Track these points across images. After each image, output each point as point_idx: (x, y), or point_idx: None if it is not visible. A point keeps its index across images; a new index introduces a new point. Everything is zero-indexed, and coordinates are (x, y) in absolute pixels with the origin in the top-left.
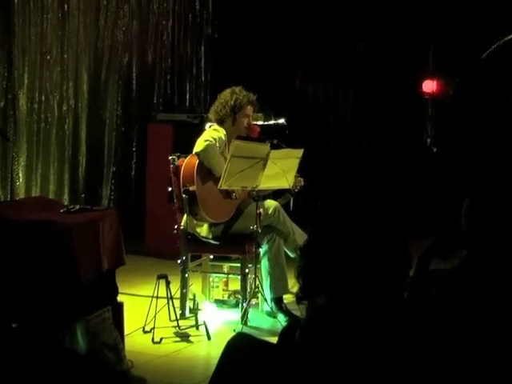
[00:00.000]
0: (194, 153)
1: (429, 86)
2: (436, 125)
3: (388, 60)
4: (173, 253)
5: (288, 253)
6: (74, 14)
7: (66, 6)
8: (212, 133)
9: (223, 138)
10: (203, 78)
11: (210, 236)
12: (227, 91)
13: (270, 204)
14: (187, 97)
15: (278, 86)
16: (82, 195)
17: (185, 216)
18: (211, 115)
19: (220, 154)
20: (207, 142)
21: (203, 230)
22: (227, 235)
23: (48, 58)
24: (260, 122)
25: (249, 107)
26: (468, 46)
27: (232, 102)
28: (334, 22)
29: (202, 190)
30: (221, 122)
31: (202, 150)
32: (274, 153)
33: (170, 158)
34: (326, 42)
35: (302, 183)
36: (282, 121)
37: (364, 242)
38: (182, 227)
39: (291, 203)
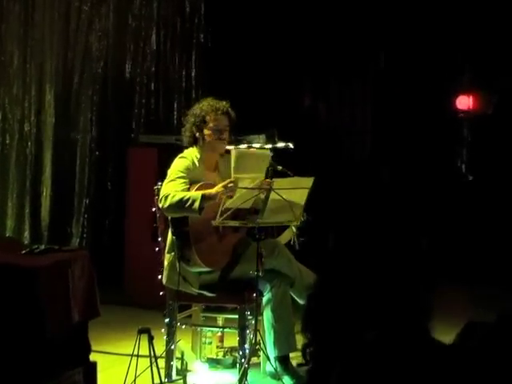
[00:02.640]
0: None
1: (463, 102)
2: (472, 148)
3: (414, 73)
4: (157, 302)
5: (295, 298)
6: (39, 16)
7: (29, 8)
8: (176, 168)
9: (194, 163)
10: (194, 94)
11: (198, 286)
12: (195, 104)
13: (273, 244)
14: (175, 115)
15: (284, 104)
16: (46, 233)
17: (166, 272)
18: (183, 137)
19: (191, 183)
20: (162, 202)
21: (194, 283)
22: (224, 284)
23: (7, 68)
24: (262, 146)
25: (214, 115)
26: (508, 55)
27: (194, 113)
28: (350, 29)
29: (195, 230)
30: (194, 142)
31: (163, 209)
32: (279, 182)
33: (155, 188)
34: (340, 53)
35: (304, 218)
36: (288, 144)
37: (384, 288)
38: (165, 283)
39: (295, 241)
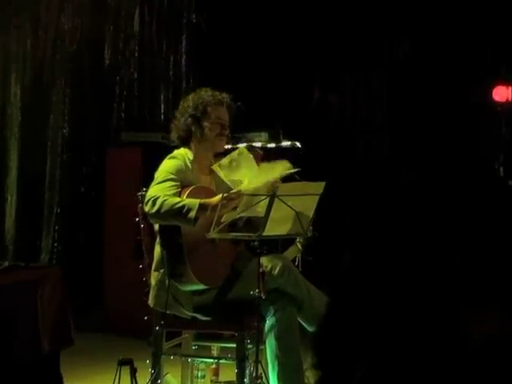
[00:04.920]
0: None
1: (502, 93)
2: None
3: (441, 60)
4: (141, 328)
5: (304, 325)
6: None
7: None
8: (166, 169)
9: (186, 164)
10: (184, 85)
11: (192, 309)
12: (189, 95)
13: (277, 260)
14: (161, 110)
15: (290, 97)
16: (11, 247)
17: (153, 292)
18: (172, 133)
19: (182, 187)
20: (149, 206)
21: (186, 304)
22: (221, 306)
23: None
24: (264, 145)
25: (218, 108)
26: None
27: (192, 104)
28: (366, 11)
29: (188, 240)
30: (185, 141)
31: (149, 215)
32: (284, 187)
33: (139, 194)
34: (355, 39)
35: (311, 233)
36: (294, 143)
37: (410, 313)
38: (152, 305)
39: (298, 260)
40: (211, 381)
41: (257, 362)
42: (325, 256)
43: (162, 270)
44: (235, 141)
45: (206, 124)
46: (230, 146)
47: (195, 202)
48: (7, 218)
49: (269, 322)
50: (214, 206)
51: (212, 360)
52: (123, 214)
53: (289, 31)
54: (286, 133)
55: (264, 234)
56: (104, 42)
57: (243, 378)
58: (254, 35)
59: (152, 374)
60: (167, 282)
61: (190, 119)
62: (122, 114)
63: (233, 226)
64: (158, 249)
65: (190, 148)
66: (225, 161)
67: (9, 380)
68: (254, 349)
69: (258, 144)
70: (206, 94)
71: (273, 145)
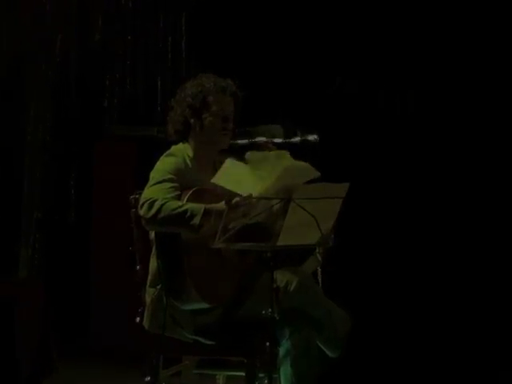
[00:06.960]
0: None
1: None
2: None
3: (475, 38)
4: (133, 354)
5: (324, 350)
6: None
7: None
8: (163, 168)
9: (186, 163)
10: (184, 70)
11: (193, 330)
12: (187, 83)
13: (293, 274)
14: (158, 99)
15: (307, 85)
16: None
17: (148, 311)
18: (168, 126)
19: (181, 189)
20: (144, 210)
21: (187, 326)
22: (227, 327)
23: None
24: (278, 140)
25: (221, 97)
26: None
27: (190, 93)
28: None
29: (190, 252)
30: (184, 135)
31: (145, 221)
32: (302, 190)
33: (132, 197)
34: (380, 17)
35: (332, 243)
36: (312, 137)
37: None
38: (147, 327)
39: (318, 274)
40: None
41: None
42: (348, 268)
43: (158, 286)
44: (246, 135)
45: (206, 116)
46: (244, 141)
47: (199, 206)
48: None
49: (283, 346)
50: (220, 212)
51: None
52: (113, 219)
53: (305, 9)
54: (303, 125)
55: (278, 243)
56: (92, 20)
57: None
58: (265, 13)
59: None
60: (165, 299)
61: (187, 110)
62: (115, 100)
63: (241, 234)
64: (153, 261)
65: (189, 143)
66: (259, 155)
67: None
68: (267, 378)
69: (273, 139)
70: (206, 80)
71: (288, 139)
